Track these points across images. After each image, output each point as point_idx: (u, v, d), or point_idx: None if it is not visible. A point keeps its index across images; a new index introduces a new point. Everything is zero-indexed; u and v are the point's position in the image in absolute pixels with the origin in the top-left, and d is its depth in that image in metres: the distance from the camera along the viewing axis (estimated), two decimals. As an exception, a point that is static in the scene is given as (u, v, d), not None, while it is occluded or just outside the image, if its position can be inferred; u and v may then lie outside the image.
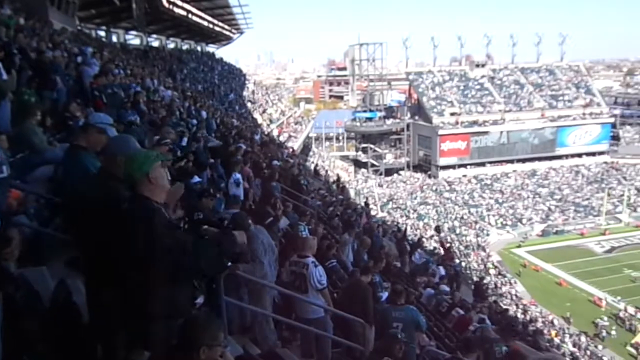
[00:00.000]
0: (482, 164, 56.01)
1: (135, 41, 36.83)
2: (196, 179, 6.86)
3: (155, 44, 40.14)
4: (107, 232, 2.49)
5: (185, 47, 45.34)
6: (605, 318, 29.58)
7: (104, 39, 30.17)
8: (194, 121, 12.84)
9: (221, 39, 52.86)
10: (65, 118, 6.26)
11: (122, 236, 2.45)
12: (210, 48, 53.26)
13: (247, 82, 51.40)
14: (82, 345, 2.72)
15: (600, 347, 27.21)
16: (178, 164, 7.12)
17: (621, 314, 29.93)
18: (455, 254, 29.78)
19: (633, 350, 26.22)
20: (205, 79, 36.67)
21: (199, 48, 48.54)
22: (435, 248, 31.47)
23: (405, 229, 26.66)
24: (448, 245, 31.47)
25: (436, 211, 48.83)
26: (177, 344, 2.41)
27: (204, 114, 15.71)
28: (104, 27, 33.49)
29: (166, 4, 31.61)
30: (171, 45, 43.02)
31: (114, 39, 34.10)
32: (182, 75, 32.63)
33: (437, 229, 33.58)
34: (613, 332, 28.31)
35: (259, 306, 5.33)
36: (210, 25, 42.74)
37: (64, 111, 6.56)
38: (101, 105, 7.89)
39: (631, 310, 30.06)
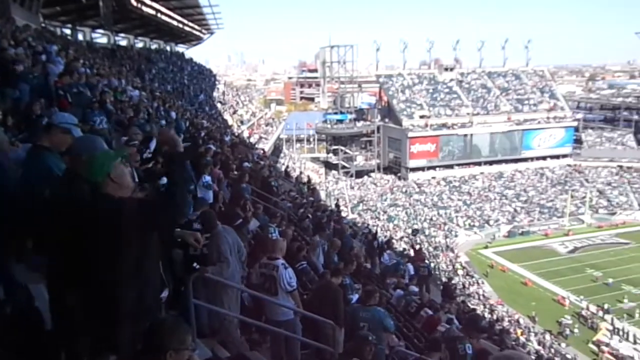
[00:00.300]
0: (451, 166, 56.93)
1: (102, 40, 36.04)
2: (165, 180, 6.74)
3: (123, 43, 39.35)
4: (72, 233, 2.44)
5: (154, 46, 44.61)
6: (569, 317, 30.42)
7: (69, 37, 29.33)
8: (163, 122, 12.65)
9: (191, 39, 52.24)
10: (28, 117, 6.09)
11: (88, 235, 2.40)
12: (180, 48, 52.58)
13: (217, 82, 50.93)
14: (44, 352, 2.65)
15: (563, 344, 27.95)
16: (146, 166, 7.01)
17: (584, 313, 30.83)
18: (425, 255, 30.10)
19: (595, 348, 27.02)
20: (175, 79, 36.15)
21: (168, 48, 47.82)
22: (405, 249, 31.84)
23: (376, 231, 26.83)
24: (418, 246, 31.86)
25: (406, 213, 49.37)
26: (144, 348, 2.36)
27: (173, 114, 15.50)
28: (69, 25, 32.64)
29: (134, 3, 31.04)
30: (139, 45, 42.26)
31: (80, 37, 33.28)
32: (151, 75, 32.09)
33: (414, 232, 33.75)
34: (576, 330, 29.12)
35: (225, 307, 5.27)
36: (180, 25, 42.20)
37: (26, 110, 6.38)
38: (66, 105, 7.68)
39: (593, 308, 31.01)
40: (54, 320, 2.69)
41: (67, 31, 31.73)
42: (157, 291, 2.88)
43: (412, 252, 25.75)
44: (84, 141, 3.09)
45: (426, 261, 24.63)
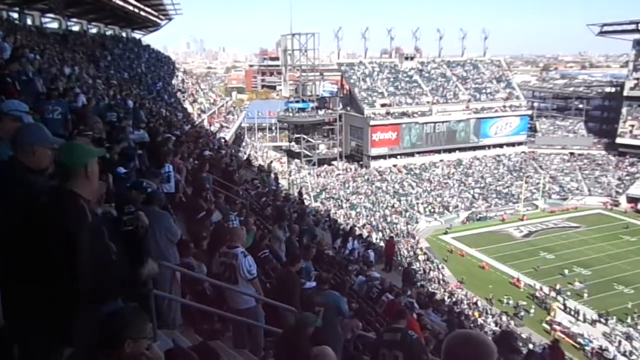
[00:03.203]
0: (412, 154, 57.78)
1: (53, 25, 34.41)
2: (122, 170, 6.60)
3: (76, 28, 37.80)
4: (19, 227, 2.35)
5: (109, 32, 43.11)
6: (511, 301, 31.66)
7: (17, 22, 27.99)
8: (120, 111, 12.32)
9: (148, 25, 50.70)
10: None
11: (38, 231, 2.31)
12: (137, 34, 51.01)
13: (176, 70, 49.68)
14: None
15: (512, 324, 28.99)
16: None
17: (537, 294, 32.07)
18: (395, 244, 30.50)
19: (547, 327, 28.18)
20: (132, 67, 35.11)
21: (124, 34, 46.32)
22: (368, 236, 32.25)
23: (336, 220, 27.08)
24: (390, 236, 32.45)
25: (368, 200, 49.91)
26: (101, 339, 2.33)
27: (130, 103, 15.09)
28: (16, 9, 31.10)
29: (87, -15, 29.90)
30: (93, 31, 40.74)
31: (29, 21, 31.73)
32: (106, 62, 31.06)
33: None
34: (532, 311, 30.29)
35: (161, 289, 5.14)
36: (136, 10, 40.89)
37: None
38: (14, 93, 7.36)
39: (546, 289, 32.29)
40: (5, 314, 2.62)
41: (15, 15, 30.24)
42: (113, 279, 2.83)
43: (377, 240, 26.17)
44: (34, 129, 2.94)
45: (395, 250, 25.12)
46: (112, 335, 2.31)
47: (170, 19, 50.39)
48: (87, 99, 10.51)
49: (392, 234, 34.99)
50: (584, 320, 28.81)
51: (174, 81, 43.02)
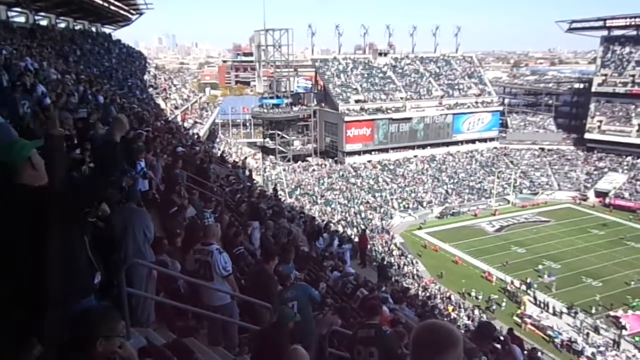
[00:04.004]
0: (386, 150, 58.16)
1: (20, 19, 33.43)
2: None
3: (44, 22, 36.80)
4: None
5: (78, 27, 42.07)
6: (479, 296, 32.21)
7: (-18, 15, 27.14)
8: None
9: (118, 20, 49.61)
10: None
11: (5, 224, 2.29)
12: (107, 29, 49.94)
13: (148, 66, 48.82)
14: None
15: (485, 317, 29.43)
16: (72, 153, 6.71)
17: (509, 287, 32.67)
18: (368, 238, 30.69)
19: (518, 320, 28.73)
20: (102, 62, 34.39)
21: (93, 29, 45.28)
22: (343, 232, 32.34)
23: (314, 216, 27.08)
24: (362, 229, 32.56)
25: (343, 196, 50.06)
26: (72, 337, 2.29)
27: (100, 98, 14.79)
28: (-18, 2, 30.12)
29: (55, -22, 29.09)
30: (62, 25, 39.70)
31: (-5, 15, 30.83)
32: (76, 57, 30.34)
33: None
34: (504, 304, 30.84)
35: (137, 288, 5.10)
36: (105, 4, 40.01)
37: None
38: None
39: (517, 283, 32.92)
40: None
41: (-21, 9, 29.28)
42: (85, 276, 2.78)
43: (352, 236, 26.27)
44: None
45: (368, 245, 25.23)
46: (83, 334, 2.27)
47: (141, 14, 49.46)
48: (56, 94, 10.26)
49: (365, 228, 35.09)
50: (554, 313, 29.49)
51: (145, 77, 42.29)
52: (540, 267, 35.36)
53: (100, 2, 38.14)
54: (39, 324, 2.42)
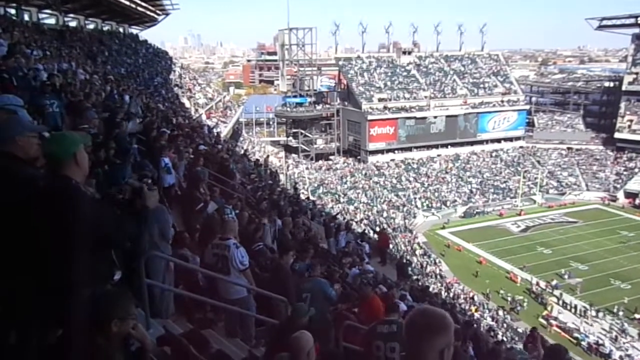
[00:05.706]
0: (409, 149, 57.79)
1: (50, 21, 34.27)
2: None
3: (73, 24, 37.68)
4: (16, 215, 2.39)
5: (106, 28, 42.97)
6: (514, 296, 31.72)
7: (14, 18, 27.87)
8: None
9: (145, 20, 50.57)
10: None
11: (39, 217, 2.36)
12: (134, 29, 50.90)
13: (173, 65, 49.60)
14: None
15: (509, 318, 29.12)
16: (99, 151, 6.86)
17: (534, 289, 32.16)
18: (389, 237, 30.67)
19: (544, 322, 28.27)
20: (129, 62, 35.06)
21: (121, 29, 46.17)
22: (364, 230, 32.27)
23: (336, 214, 27.11)
24: (382, 228, 32.45)
25: (365, 195, 49.98)
26: (89, 319, 2.39)
27: (127, 98, 15.07)
28: (14, 4, 30.96)
29: (84, -20, 29.78)
30: (91, 26, 40.57)
31: (26, 17, 31.64)
32: (104, 57, 30.97)
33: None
34: (525, 305, 30.39)
35: (155, 279, 5.19)
36: (133, 5, 40.77)
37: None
38: (11, 89, 7.39)
39: (542, 284, 32.38)
40: (1, 301, 2.65)
41: (12, 11, 30.13)
42: (107, 274, 2.88)
43: (372, 234, 26.19)
44: (11, 122, 2.99)
45: (390, 244, 25.13)
46: (99, 315, 2.39)
47: (167, 14, 50.31)
48: (84, 94, 10.51)
49: (387, 228, 35.02)
50: (581, 315, 28.93)
51: (171, 76, 42.96)
52: (562, 270, 34.63)
53: (127, 3, 38.90)
54: (59, 307, 2.51)
